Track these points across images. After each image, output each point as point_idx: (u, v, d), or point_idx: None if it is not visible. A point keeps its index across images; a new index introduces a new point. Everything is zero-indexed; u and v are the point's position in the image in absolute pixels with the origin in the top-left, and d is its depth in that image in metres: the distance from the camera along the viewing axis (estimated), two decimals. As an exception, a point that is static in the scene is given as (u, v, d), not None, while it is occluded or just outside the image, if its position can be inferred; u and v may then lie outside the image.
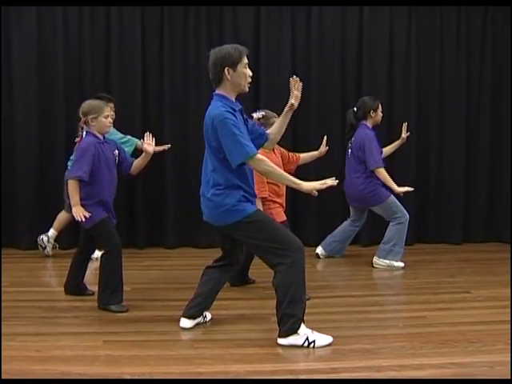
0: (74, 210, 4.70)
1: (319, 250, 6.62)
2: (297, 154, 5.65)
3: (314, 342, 3.93)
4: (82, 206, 4.72)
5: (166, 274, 5.94)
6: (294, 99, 4.25)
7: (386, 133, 6.89)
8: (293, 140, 7.12)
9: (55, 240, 6.67)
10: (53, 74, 6.93)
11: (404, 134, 6.61)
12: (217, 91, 4.07)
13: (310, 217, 7.26)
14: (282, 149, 5.50)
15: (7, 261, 6.41)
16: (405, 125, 6.64)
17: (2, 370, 3.52)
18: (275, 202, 5.17)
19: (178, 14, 7.06)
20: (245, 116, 4.17)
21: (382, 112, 6.39)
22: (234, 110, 3.99)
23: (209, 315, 4.47)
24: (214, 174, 4.05)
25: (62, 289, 5.14)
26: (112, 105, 6.22)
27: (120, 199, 6.92)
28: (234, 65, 3.98)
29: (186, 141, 7.06)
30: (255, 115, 5.15)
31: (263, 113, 5.18)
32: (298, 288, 3.93)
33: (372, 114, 6.28)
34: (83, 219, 4.66)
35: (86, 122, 4.84)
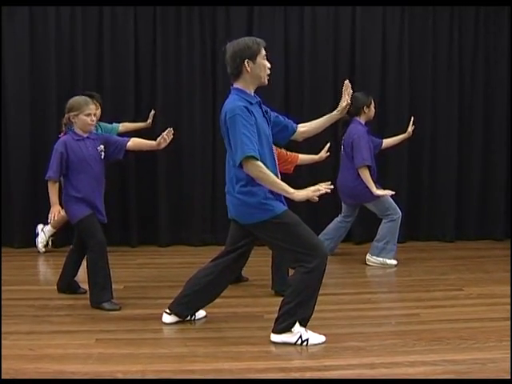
0: (51, 209, 4.79)
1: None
2: (295, 154, 5.58)
3: (307, 340, 3.94)
4: (66, 202, 4.81)
5: (159, 272, 5.93)
6: (345, 103, 4.24)
7: (377, 132, 6.88)
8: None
9: (52, 237, 6.75)
10: (45, 73, 6.92)
11: (410, 128, 6.63)
12: (235, 85, 4.04)
13: (301, 215, 7.22)
14: (279, 149, 5.43)
15: (0, 259, 6.43)
16: (412, 119, 6.65)
17: (1, 369, 3.52)
18: None
19: (170, 14, 7.05)
20: (264, 108, 4.10)
21: (375, 108, 6.41)
22: (251, 104, 3.93)
23: (202, 313, 4.48)
24: (235, 169, 3.93)
25: (55, 287, 5.15)
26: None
27: (113, 197, 6.95)
28: (253, 57, 3.93)
29: (179, 140, 7.04)
30: None
31: None
32: (311, 293, 3.93)
33: (365, 109, 6.29)
34: (53, 219, 4.80)
35: (68, 119, 4.85)
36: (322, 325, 4.31)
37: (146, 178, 7.11)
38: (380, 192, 6.06)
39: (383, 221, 6.22)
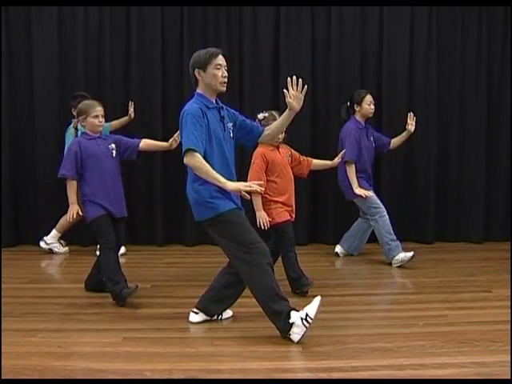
0: (69, 208, 4.95)
1: (338, 248, 6.63)
2: (309, 159, 5.61)
3: (307, 315, 3.92)
4: (82, 203, 4.96)
5: (186, 272, 5.96)
6: (291, 98, 4.18)
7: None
8: (312, 142, 7.15)
9: (60, 238, 6.79)
10: (73, 73, 6.99)
11: (409, 126, 6.45)
12: (197, 90, 4.26)
13: (329, 217, 7.26)
14: (292, 150, 5.48)
15: (27, 257, 6.49)
16: (410, 115, 6.48)
17: (19, 366, 3.56)
18: (276, 201, 5.14)
19: (197, 15, 7.08)
20: (224, 113, 4.27)
21: (375, 104, 6.41)
22: (208, 108, 4.15)
23: (229, 313, 4.50)
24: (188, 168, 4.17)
25: (82, 285, 5.20)
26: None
27: (139, 197, 6.99)
28: (203, 67, 4.18)
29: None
30: (259, 115, 5.16)
31: (266, 114, 5.16)
32: (271, 286, 4.01)
33: (356, 107, 6.34)
34: (73, 217, 4.95)
35: (78, 123, 5.13)
36: (349, 325, 4.31)
37: (172, 177, 7.11)
38: (358, 191, 6.08)
39: (371, 224, 6.25)
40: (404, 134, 6.56)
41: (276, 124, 4.47)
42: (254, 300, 4.68)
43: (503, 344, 3.96)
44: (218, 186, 4.05)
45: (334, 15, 7.14)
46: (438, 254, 6.74)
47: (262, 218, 5.03)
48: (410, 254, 6.10)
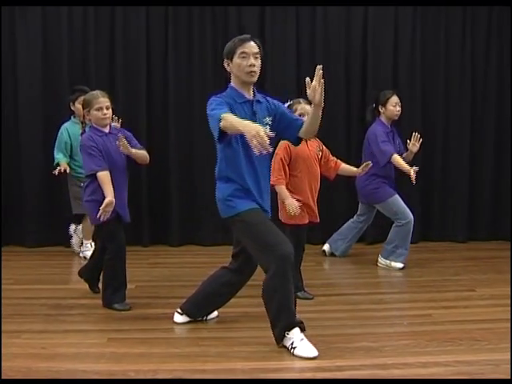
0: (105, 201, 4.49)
1: (326, 246, 6.63)
2: (338, 161, 5.28)
3: (294, 348, 3.78)
4: (89, 202, 4.64)
5: (171, 272, 5.94)
6: (310, 90, 3.84)
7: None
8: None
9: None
10: (58, 73, 6.94)
11: (411, 145, 6.13)
12: (230, 83, 4.06)
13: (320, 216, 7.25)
14: (324, 147, 5.20)
15: (12, 258, 6.44)
16: (414, 135, 6.14)
17: (2, 368, 3.54)
18: (295, 199, 4.84)
19: (182, 14, 7.05)
20: (255, 108, 4.00)
21: (400, 106, 6.20)
22: (236, 102, 3.93)
23: (214, 313, 4.49)
24: (217, 164, 4.06)
25: (67, 286, 5.20)
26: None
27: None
28: (230, 56, 3.95)
29: (191, 139, 7.07)
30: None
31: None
32: (283, 297, 3.83)
33: (381, 108, 6.16)
34: (104, 216, 4.49)
35: (84, 117, 4.78)
36: (334, 325, 4.32)
37: (158, 177, 7.11)
38: (413, 173, 5.69)
39: (393, 224, 6.14)
40: (408, 153, 6.22)
41: (307, 120, 4.09)
42: (239, 300, 4.70)
43: (487, 343, 3.98)
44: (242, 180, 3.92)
45: (319, 15, 7.14)
46: (423, 254, 6.76)
47: (292, 205, 4.75)
48: (400, 265, 6.05)
